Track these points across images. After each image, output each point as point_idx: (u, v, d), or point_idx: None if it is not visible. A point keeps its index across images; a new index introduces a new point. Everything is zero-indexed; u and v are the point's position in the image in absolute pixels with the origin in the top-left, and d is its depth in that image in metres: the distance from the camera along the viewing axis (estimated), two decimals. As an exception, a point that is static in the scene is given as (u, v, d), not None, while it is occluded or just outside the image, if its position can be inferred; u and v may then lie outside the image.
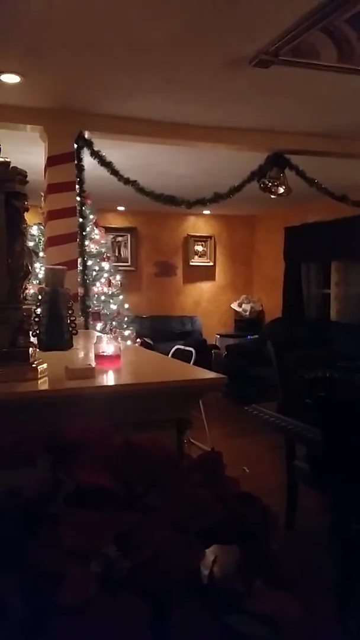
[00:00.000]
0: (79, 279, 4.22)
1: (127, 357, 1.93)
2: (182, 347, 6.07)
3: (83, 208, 4.29)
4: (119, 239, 9.11)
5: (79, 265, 4.23)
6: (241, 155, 4.93)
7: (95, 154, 4.24)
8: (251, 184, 4.82)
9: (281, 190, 4.83)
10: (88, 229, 5.41)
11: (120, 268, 9.02)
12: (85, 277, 4.32)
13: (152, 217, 9.06)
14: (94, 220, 5.47)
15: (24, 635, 0.66)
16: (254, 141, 4.65)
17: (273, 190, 4.84)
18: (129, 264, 9.17)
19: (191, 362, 5.86)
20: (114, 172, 4.31)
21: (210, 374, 1.67)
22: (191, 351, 5.84)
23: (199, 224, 9.59)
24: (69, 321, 2.06)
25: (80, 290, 4.27)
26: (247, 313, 9.32)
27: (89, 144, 4.19)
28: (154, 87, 3.66)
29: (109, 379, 1.68)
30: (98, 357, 1.79)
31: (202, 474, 0.92)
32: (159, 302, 9.32)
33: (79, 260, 4.27)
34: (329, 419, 2.75)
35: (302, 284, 8.39)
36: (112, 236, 9.08)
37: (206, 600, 0.72)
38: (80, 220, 4.22)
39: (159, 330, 8.83)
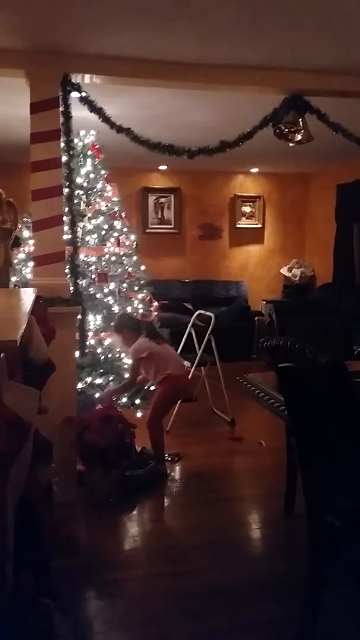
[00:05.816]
0: (66, 237, 3.93)
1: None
2: (202, 312, 5.73)
3: (72, 159, 3.97)
4: (162, 200, 8.74)
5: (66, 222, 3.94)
6: (265, 100, 4.42)
7: (84, 100, 3.89)
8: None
9: (299, 137, 4.30)
10: (99, 185, 5.12)
11: (163, 230, 8.74)
12: (75, 234, 4.01)
13: (196, 176, 8.62)
14: (106, 176, 5.16)
15: None
16: (266, 81, 4.13)
17: (290, 137, 4.31)
18: (172, 226, 8.81)
19: (210, 329, 5.51)
20: (105, 119, 3.95)
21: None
22: (210, 316, 5.49)
23: (247, 183, 9.05)
24: None
25: (69, 249, 3.99)
26: (297, 278, 8.76)
27: (76, 87, 3.84)
28: (137, 12, 3.24)
29: None
30: None
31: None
32: (203, 266, 8.92)
33: (69, 217, 3.97)
34: (285, 391, 2.35)
35: (354, 246, 7.75)
36: (154, 197, 8.75)
37: None
38: (66, 172, 3.90)
39: (202, 296, 8.47)
